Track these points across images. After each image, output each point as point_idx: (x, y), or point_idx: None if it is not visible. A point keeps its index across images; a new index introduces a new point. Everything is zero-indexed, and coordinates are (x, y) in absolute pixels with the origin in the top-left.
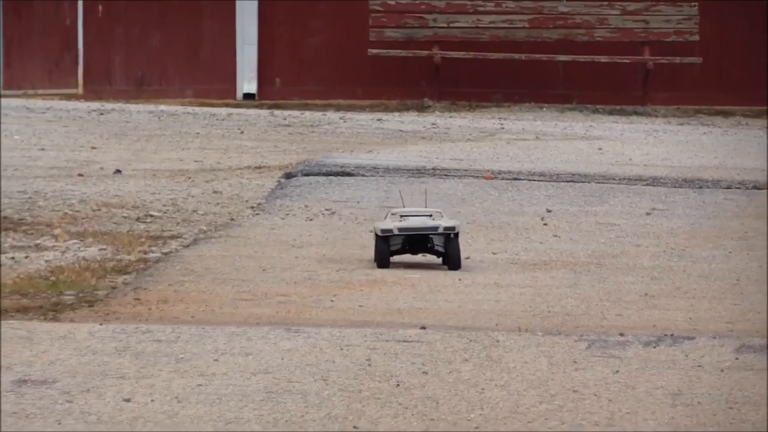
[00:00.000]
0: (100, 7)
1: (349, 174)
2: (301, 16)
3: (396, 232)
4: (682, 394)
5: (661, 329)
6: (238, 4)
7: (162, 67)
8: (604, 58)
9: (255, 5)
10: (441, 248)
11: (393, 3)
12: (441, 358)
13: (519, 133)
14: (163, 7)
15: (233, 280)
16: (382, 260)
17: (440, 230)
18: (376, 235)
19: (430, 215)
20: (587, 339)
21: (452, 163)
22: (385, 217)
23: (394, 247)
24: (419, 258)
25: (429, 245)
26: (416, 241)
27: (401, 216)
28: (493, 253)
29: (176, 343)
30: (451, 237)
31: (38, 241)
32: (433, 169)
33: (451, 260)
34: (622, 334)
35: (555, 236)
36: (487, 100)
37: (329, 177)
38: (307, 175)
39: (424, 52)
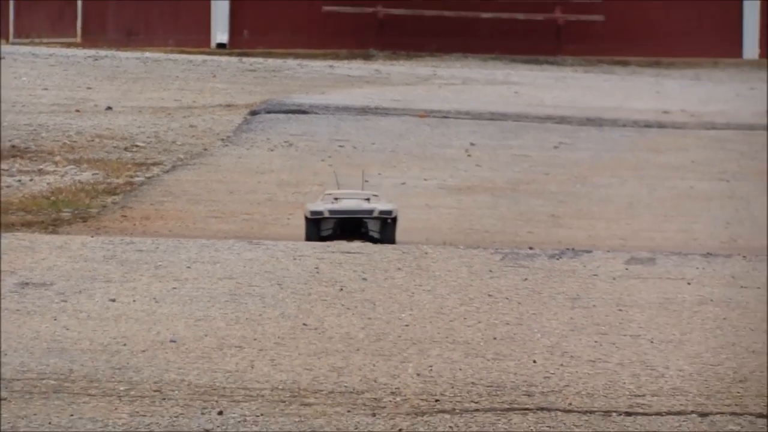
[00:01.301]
0: None
1: (304, 112)
2: None
3: (327, 214)
4: (580, 299)
5: (564, 244)
6: None
7: (148, 19)
8: (521, 15)
9: None
10: (376, 234)
11: None
12: (378, 267)
13: (449, 78)
14: None
15: (205, 201)
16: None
17: (375, 214)
18: (306, 217)
19: (367, 198)
20: (502, 252)
21: (392, 103)
22: (320, 199)
23: (325, 232)
24: None
25: (363, 230)
26: (349, 225)
27: (335, 198)
28: (425, 180)
29: (155, 253)
30: (387, 222)
31: (41, 167)
32: (375, 108)
33: (386, 239)
34: (531, 248)
35: (477, 166)
36: (422, 51)
37: (288, 114)
38: (269, 112)
39: (370, 9)
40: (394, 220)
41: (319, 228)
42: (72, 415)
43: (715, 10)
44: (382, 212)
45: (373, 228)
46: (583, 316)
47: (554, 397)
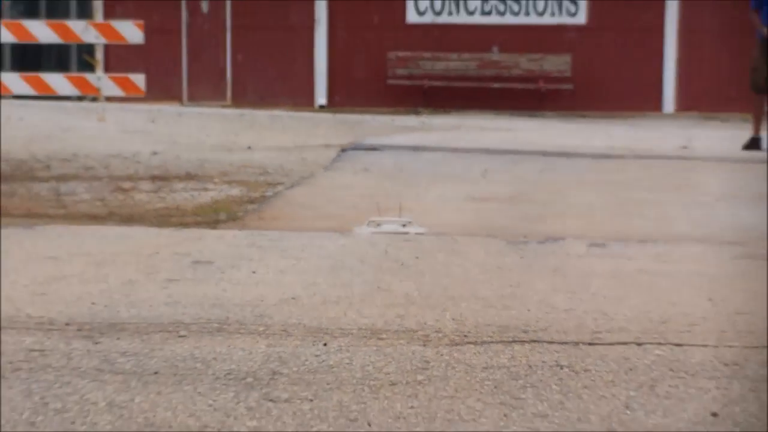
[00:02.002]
0: (240, 56)
1: (376, 149)
2: (351, 60)
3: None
4: (558, 270)
5: (547, 235)
6: (315, 54)
7: (273, 88)
8: (518, 85)
9: (325, 54)
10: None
11: (401, 55)
12: (425, 249)
13: (471, 127)
14: (274, 52)
15: (312, 207)
16: None
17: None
18: None
19: (404, 224)
20: (506, 240)
21: (433, 143)
22: (366, 225)
23: None
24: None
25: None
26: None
27: (377, 224)
28: (456, 192)
29: (281, 241)
30: None
31: (206, 186)
32: (423, 146)
33: None
34: (525, 237)
35: (490, 184)
36: (453, 108)
37: (365, 150)
38: (353, 149)
39: (418, 83)
40: None
41: None
42: (229, 347)
43: (645, 80)
44: (416, 234)
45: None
46: (560, 281)
47: (542, 333)
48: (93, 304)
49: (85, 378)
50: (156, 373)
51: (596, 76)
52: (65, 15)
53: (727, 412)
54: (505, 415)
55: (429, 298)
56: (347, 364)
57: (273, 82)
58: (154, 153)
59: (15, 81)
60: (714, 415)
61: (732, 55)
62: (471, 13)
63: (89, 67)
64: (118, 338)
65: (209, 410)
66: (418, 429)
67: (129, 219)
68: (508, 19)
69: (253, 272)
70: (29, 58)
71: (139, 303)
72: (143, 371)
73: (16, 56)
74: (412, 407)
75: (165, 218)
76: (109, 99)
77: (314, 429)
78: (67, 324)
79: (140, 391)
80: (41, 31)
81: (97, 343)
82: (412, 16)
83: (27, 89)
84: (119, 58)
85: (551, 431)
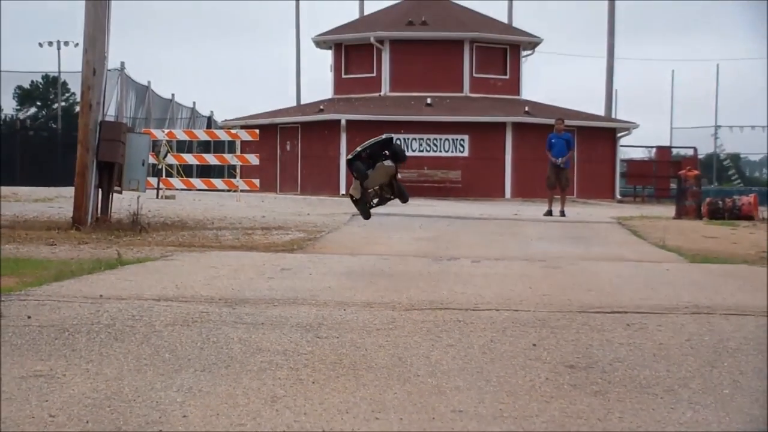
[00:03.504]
0: (304, 171)
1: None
2: None
3: (359, 150)
4: (458, 273)
5: (452, 256)
6: (340, 168)
7: (320, 185)
8: (436, 185)
9: (344, 165)
10: (389, 153)
11: None
12: (393, 263)
13: (414, 205)
14: (321, 168)
15: (338, 242)
16: (360, 172)
17: (383, 136)
18: (347, 160)
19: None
20: (432, 258)
21: (397, 212)
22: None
23: (362, 166)
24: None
25: (382, 153)
26: (375, 152)
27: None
28: (406, 236)
29: (323, 259)
30: (392, 143)
31: (287, 232)
32: (391, 213)
33: (398, 156)
34: (440, 257)
35: (423, 231)
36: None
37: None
38: (358, 215)
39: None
40: (391, 140)
41: (356, 161)
42: (298, 310)
43: (496, 183)
44: (386, 136)
45: (387, 153)
46: (458, 279)
47: (449, 304)
48: (232, 289)
49: (227, 326)
50: (262, 323)
51: (473, 181)
52: (222, 151)
53: (540, 343)
54: (432, 344)
55: (395, 287)
56: (355, 319)
57: (320, 182)
58: (263, 216)
59: (198, 182)
60: (534, 345)
61: (538, 170)
62: (414, 151)
63: (233, 175)
64: (244, 306)
65: (287, 341)
66: (389, 351)
67: (251, 248)
68: (431, 154)
69: (310, 274)
70: (205, 171)
71: (255, 289)
72: (256, 322)
73: (198, 170)
74: (387, 340)
75: (268, 247)
76: (242, 191)
77: (339, 351)
78: (219, 299)
79: (254, 332)
80: (211, 159)
81: (234, 309)
82: None
83: (203, 186)
84: (247, 171)
85: (457, 352)
